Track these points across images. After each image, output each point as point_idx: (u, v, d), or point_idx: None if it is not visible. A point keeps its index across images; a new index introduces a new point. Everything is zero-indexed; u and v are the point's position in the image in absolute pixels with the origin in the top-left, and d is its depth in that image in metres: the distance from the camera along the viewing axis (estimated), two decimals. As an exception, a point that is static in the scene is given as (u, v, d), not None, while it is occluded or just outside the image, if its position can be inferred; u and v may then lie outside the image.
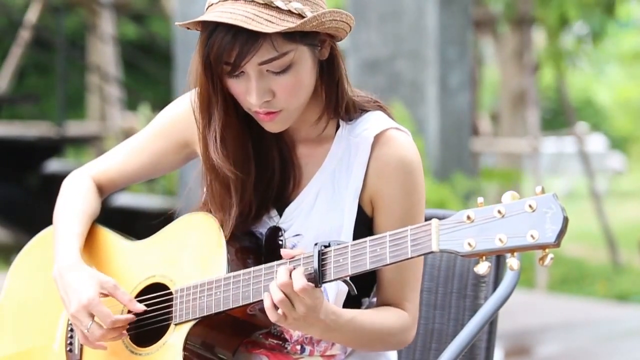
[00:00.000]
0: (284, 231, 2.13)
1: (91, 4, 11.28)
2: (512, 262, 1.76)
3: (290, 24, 1.96)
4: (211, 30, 1.98)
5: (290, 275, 1.93)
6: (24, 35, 10.74)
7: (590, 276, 9.86)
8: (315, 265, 1.93)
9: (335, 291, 2.09)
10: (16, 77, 11.21)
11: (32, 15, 10.80)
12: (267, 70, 2.00)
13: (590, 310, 7.96)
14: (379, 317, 2.09)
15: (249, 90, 2.01)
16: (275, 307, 1.94)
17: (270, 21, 1.95)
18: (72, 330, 2.22)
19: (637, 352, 6.55)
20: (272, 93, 2.02)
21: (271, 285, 1.94)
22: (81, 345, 2.19)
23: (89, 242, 2.24)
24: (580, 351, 6.56)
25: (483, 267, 1.78)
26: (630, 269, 10.19)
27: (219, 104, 2.07)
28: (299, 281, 1.92)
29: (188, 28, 2.04)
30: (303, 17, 1.98)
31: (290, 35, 1.97)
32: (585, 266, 10.41)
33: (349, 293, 2.09)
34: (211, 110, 2.08)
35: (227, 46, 1.96)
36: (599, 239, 10.95)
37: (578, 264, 10.46)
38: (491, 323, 2.34)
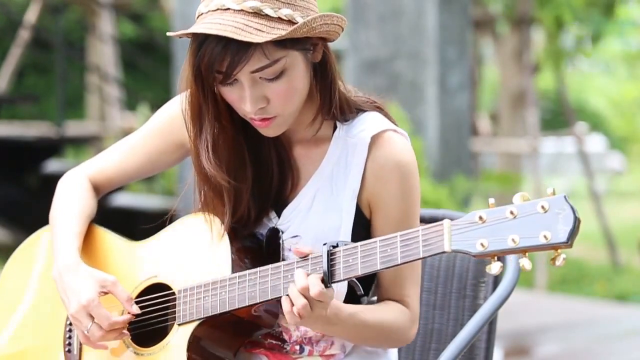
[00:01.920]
0: (282, 232, 2.13)
1: (90, 4, 11.27)
2: (524, 262, 1.78)
3: (281, 31, 1.95)
4: (201, 40, 1.97)
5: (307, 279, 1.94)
6: (24, 35, 10.73)
7: (590, 276, 9.86)
8: (325, 265, 1.93)
9: (335, 290, 2.09)
10: (15, 77, 11.21)
11: (31, 15, 10.80)
12: (260, 78, 1.99)
13: (590, 310, 7.96)
14: (381, 313, 2.10)
15: (243, 98, 2.01)
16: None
17: (260, 30, 1.94)
18: (70, 330, 2.22)
19: (637, 352, 6.55)
20: (266, 99, 2.01)
21: (291, 291, 1.94)
22: (80, 345, 2.19)
23: (89, 243, 2.24)
24: (580, 351, 6.56)
25: (495, 267, 1.80)
26: (630, 269, 10.19)
27: (210, 112, 2.06)
28: (315, 286, 1.92)
29: (180, 37, 2.03)
30: (293, 23, 1.97)
31: (281, 43, 1.96)
32: (584, 266, 10.40)
33: (349, 292, 2.10)
34: (202, 119, 2.07)
35: (218, 56, 1.95)
36: (598, 239, 10.94)
37: (578, 264, 10.45)
38: (490, 323, 2.35)
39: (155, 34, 15.05)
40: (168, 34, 2.05)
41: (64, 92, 10.11)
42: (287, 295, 1.95)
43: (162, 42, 13.33)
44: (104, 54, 11.24)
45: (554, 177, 17.17)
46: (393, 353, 2.25)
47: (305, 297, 1.93)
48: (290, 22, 1.97)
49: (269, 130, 2.06)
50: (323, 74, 2.08)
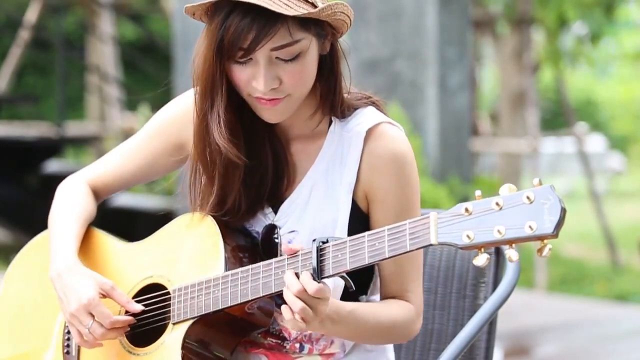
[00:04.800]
0: (279, 228, 2.13)
1: (91, 4, 11.27)
2: (511, 253, 1.77)
3: (305, 10, 1.97)
4: (227, 12, 1.97)
5: (299, 279, 1.93)
6: (24, 35, 10.74)
7: (590, 276, 9.87)
8: (314, 261, 1.93)
9: (331, 287, 2.09)
10: (15, 77, 11.21)
11: (31, 15, 10.80)
12: (276, 58, 2.00)
13: (590, 311, 7.96)
14: (381, 309, 2.10)
15: (257, 77, 2.01)
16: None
17: (288, 5, 1.96)
18: (69, 332, 2.22)
19: (637, 352, 6.55)
20: (279, 81, 2.02)
21: (287, 296, 1.94)
22: (79, 347, 2.19)
23: (85, 245, 2.24)
24: (579, 351, 6.56)
25: (482, 259, 1.79)
26: (630, 269, 10.20)
27: (224, 88, 2.05)
28: (311, 284, 1.92)
29: (194, 14, 2.02)
30: (315, 6, 1.99)
31: (305, 23, 1.99)
32: (584, 266, 10.41)
33: (345, 291, 2.10)
34: (214, 94, 2.05)
35: (244, 28, 1.96)
36: (598, 239, 10.95)
37: (577, 264, 10.46)
38: (490, 323, 2.34)
39: (156, 35, 15.04)
40: (187, 6, 2.03)
41: (64, 92, 10.12)
42: (286, 304, 1.94)
43: (162, 43, 13.33)
44: (104, 54, 11.25)
45: (554, 177, 17.18)
46: (391, 352, 2.25)
47: (302, 299, 1.93)
48: (313, 4, 1.99)
49: (274, 112, 2.06)
50: (330, 67, 2.10)
